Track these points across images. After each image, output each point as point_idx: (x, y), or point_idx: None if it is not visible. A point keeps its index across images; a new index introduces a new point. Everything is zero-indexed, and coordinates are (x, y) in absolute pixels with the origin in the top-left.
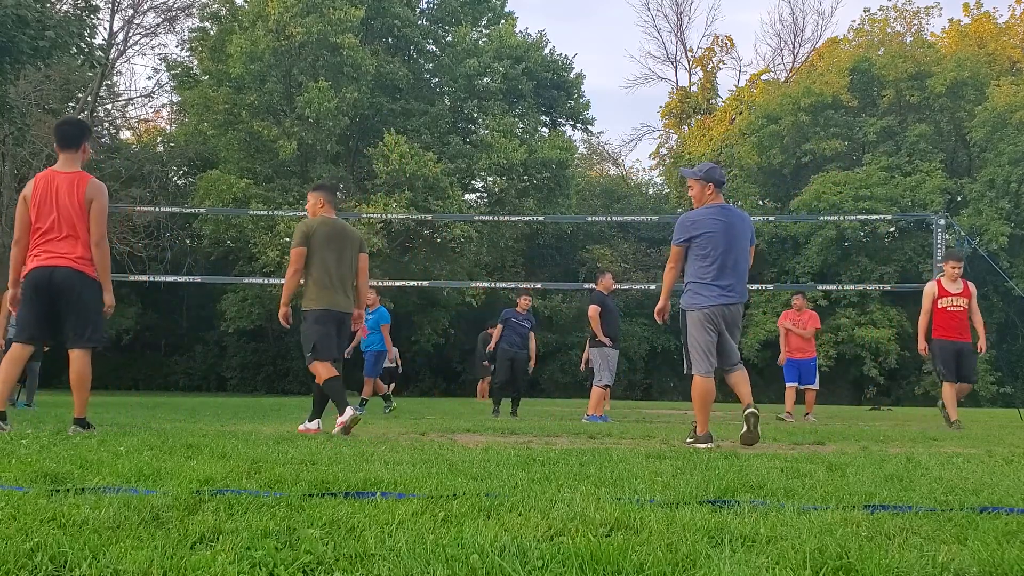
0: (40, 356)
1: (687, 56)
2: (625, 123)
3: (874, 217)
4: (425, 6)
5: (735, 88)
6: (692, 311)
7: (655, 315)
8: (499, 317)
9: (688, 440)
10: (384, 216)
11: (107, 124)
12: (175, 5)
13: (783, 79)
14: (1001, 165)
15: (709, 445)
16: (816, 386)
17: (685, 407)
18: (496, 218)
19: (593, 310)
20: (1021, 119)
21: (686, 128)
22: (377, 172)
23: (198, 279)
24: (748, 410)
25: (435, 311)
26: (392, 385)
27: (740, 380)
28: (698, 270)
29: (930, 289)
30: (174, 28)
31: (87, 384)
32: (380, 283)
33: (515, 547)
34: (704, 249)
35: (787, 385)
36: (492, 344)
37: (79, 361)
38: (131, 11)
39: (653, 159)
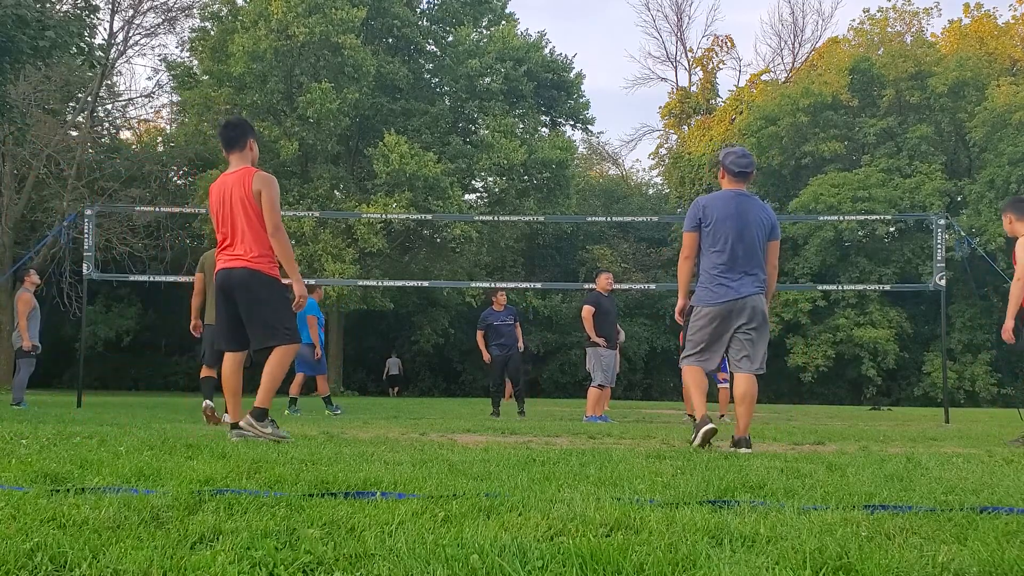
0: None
1: (687, 56)
2: (625, 123)
3: (873, 217)
4: (425, 6)
5: (735, 88)
6: (699, 307)
7: (676, 316)
8: (479, 322)
9: (692, 440)
10: (384, 216)
11: (107, 124)
12: (175, 5)
13: (783, 79)
14: (1001, 166)
15: (709, 426)
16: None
17: (685, 407)
18: (496, 218)
19: (586, 311)
20: (1021, 119)
21: (686, 128)
22: (377, 172)
23: None
24: (709, 425)
25: (435, 311)
26: (396, 389)
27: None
28: (708, 263)
29: None
30: (174, 28)
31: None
32: (380, 283)
33: (515, 547)
34: (714, 238)
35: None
36: (485, 353)
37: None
38: (131, 11)
39: (653, 159)
